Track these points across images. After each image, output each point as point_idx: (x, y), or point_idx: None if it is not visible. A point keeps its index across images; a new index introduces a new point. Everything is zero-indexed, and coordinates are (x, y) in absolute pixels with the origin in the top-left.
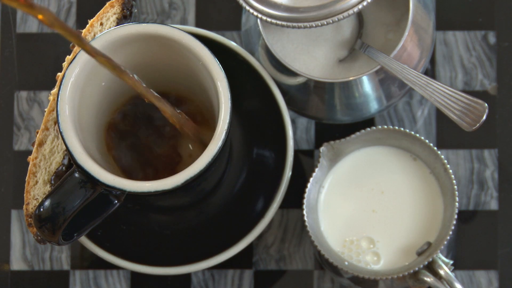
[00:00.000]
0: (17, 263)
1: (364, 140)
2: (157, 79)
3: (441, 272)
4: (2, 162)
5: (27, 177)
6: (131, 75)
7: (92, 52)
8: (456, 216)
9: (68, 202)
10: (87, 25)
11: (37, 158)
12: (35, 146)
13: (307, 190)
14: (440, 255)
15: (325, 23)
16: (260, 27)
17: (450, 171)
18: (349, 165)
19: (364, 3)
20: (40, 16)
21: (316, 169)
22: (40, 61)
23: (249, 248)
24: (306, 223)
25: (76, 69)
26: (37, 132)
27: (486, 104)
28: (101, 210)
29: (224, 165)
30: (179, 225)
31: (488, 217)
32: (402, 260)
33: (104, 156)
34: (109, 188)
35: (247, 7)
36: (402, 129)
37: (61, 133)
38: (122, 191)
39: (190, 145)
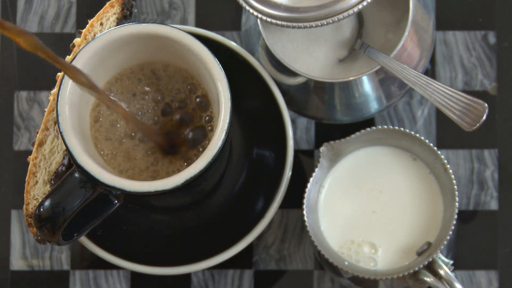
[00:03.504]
0: (17, 263)
1: (364, 140)
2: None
3: (441, 272)
4: (2, 162)
5: (27, 177)
6: (98, 88)
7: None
8: (456, 216)
9: (68, 202)
10: (87, 25)
11: (37, 158)
12: (35, 146)
13: (307, 190)
14: (440, 255)
15: (325, 23)
16: (260, 27)
17: (450, 171)
18: (349, 165)
19: (364, 3)
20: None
21: (316, 169)
22: (40, 61)
23: (249, 248)
24: (306, 223)
25: None
26: (37, 132)
27: (486, 104)
28: (101, 210)
29: (224, 165)
30: (179, 225)
31: (488, 217)
32: (402, 260)
33: None
34: (109, 188)
35: (247, 7)
36: (402, 129)
37: (61, 133)
38: (122, 191)
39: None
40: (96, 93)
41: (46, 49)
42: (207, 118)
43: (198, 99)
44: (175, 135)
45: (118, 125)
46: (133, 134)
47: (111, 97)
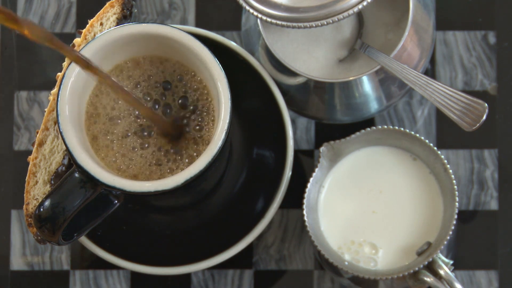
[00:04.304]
0: (17, 263)
1: (364, 140)
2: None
3: (441, 272)
4: (2, 162)
5: (27, 177)
6: (114, 80)
7: (81, 64)
8: (456, 216)
9: (68, 202)
10: (87, 25)
11: (37, 158)
12: (35, 146)
13: (307, 190)
14: (440, 255)
15: (325, 23)
16: (260, 27)
17: (450, 171)
18: (349, 165)
19: (364, 3)
20: (26, 32)
21: (316, 169)
22: (40, 61)
23: (249, 248)
24: (306, 223)
25: (76, 69)
26: (37, 132)
27: (486, 104)
28: (101, 210)
29: (224, 165)
30: (179, 225)
31: (488, 217)
32: (402, 260)
33: None
34: (109, 188)
35: (247, 7)
36: (402, 129)
37: (61, 133)
38: (122, 191)
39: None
40: (97, 73)
41: (54, 39)
42: (206, 109)
43: (197, 89)
44: (177, 118)
45: (119, 122)
46: (131, 132)
47: (114, 80)
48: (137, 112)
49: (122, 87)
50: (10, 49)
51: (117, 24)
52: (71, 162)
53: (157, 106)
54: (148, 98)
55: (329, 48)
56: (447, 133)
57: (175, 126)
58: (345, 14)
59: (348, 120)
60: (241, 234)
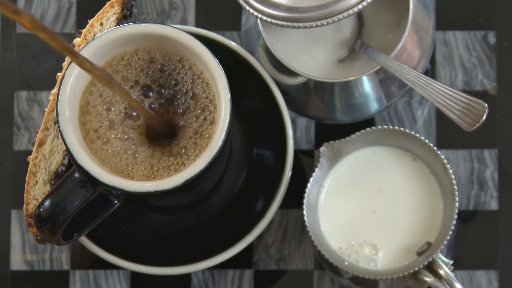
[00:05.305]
0: (17, 263)
1: (364, 140)
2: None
3: (441, 272)
4: (2, 162)
5: (27, 177)
6: (109, 77)
7: (85, 66)
8: (456, 216)
9: (68, 202)
10: (87, 25)
11: (37, 158)
12: (35, 146)
13: (307, 190)
14: (440, 255)
15: (325, 23)
16: (260, 27)
17: (450, 171)
18: (349, 165)
19: (364, 3)
20: (23, 21)
21: (316, 169)
22: (40, 61)
23: (249, 248)
24: (306, 223)
25: (76, 69)
26: (37, 132)
27: (486, 104)
28: (101, 210)
29: (224, 165)
30: (179, 225)
31: (488, 217)
32: (402, 260)
33: None
34: (109, 188)
35: (247, 7)
36: (402, 129)
37: (61, 133)
38: (122, 191)
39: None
40: (95, 71)
41: (46, 28)
42: (205, 109)
43: (197, 89)
44: (172, 117)
45: (115, 121)
46: (128, 128)
47: (111, 76)
48: (134, 113)
49: (116, 82)
50: (10, 49)
51: (117, 24)
52: (71, 162)
53: (153, 105)
54: (144, 97)
55: (329, 48)
56: (447, 133)
57: (168, 124)
58: (345, 14)
59: (348, 120)
60: (241, 234)
